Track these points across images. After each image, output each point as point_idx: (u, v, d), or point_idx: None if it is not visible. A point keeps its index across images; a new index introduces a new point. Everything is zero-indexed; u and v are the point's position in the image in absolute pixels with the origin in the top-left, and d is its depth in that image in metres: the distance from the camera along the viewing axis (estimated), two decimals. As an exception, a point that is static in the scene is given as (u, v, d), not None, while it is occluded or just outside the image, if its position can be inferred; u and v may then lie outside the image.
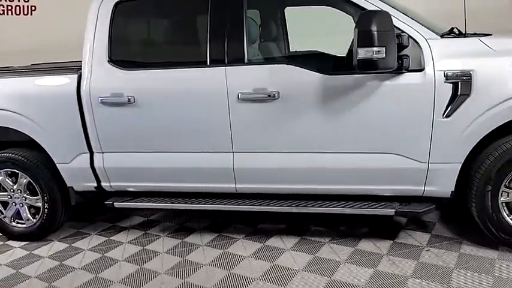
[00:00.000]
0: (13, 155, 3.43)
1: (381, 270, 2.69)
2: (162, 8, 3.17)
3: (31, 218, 3.56)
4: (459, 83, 2.52)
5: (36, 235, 3.57)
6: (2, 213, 3.61)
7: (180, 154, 3.09)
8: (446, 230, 3.15)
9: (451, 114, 2.57)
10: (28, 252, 3.40)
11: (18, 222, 3.61)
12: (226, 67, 2.87)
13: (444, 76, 2.54)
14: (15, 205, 3.57)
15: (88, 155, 3.28)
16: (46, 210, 3.46)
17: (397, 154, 2.73)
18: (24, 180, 3.46)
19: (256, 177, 3.01)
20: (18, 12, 5.50)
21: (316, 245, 3.08)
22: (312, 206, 2.94)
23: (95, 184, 3.36)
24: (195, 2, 3.10)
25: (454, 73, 2.52)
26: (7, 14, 5.46)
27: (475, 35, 2.79)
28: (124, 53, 3.22)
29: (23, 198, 3.53)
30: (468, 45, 2.65)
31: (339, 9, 2.96)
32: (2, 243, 3.62)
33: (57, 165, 3.35)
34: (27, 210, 3.57)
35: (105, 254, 3.25)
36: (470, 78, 2.50)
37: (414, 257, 2.81)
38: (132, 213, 3.93)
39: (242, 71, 2.87)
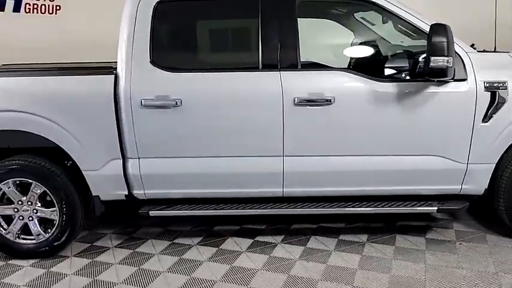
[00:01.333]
0: (28, 163, 3.09)
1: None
2: (208, 9, 3.12)
3: (42, 232, 3.22)
4: (497, 91, 2.85)
5: (48, 251, 3.22)
6: (5, 229, 3.21)
7: (226, 159, 3.03)
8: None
9: (489, 119, 2.89)
10: (45, 270, 3.07)
11: (24, 239, 3.24)
12: (281, 72, 2.92)
13: (484, 86, 2.86)
14: (22, 219, 3.20)
15: (121, 161, 3.08)
16: (63, 223, 3.15)
17: (440, 156, 2.98)
18: (38, 190, 3.12)
19: (307, 180, 3.07)
20: (43, 11, 5.56)
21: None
22: (358, 207, 3.08)
23: (126, 192, 3.15)
24: (244, 6, 3.10)
25: (492, 83, 2.85)
26: (33, 12, 5.51)
27: (497, 51, 3.17)
28: (168, 55, 3.11)
29: (34, 210, 3.17)
30: (501, 59, 3.01)
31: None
32: (3, 263, 3.20)
33: (83, 172, 3.09)
34: (37, 224, 3.22)
35: (141, 266, 3.05)
36: (506, 88, 2.84)
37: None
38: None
39: (297, 76, 2.93)
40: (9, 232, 3.21)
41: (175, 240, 3.43)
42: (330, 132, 2.97)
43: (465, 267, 2.85)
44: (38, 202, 3.16)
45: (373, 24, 3.40)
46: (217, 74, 3.00)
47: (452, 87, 2.87)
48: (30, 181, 3.10)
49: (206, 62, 3.21)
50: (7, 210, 3.20)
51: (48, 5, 5.57)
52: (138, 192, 3.14)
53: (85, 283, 2.87)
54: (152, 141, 3.02)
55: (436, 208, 3.05)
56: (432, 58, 2.59)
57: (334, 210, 3.10)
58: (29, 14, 5.49)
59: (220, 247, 3.28)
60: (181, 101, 2.91)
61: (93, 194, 3.15)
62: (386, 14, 3.02)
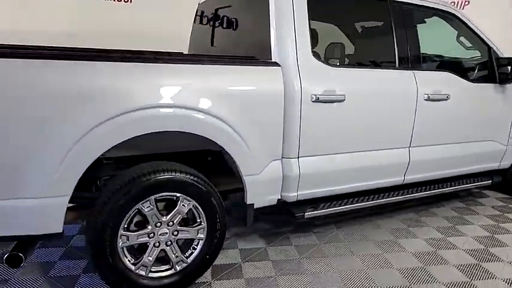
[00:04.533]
0: (178, 173, 2.46)
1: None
2: (353, 8, 3.11)
3: (184, 258, 2.60)
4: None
5: (188, 279, 2.63)
6: (134, 264, 2.46)
7: (373, 152, 3.13)
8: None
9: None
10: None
11: (158, 271, 2.55)
12: (414, 71, 3.22)
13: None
14: (158, 245, 2.51)
15: (280, 161, 2.79)
16: (211, 241, 2.63)
17: (494, 140, 3.83)
18: (186, 207, 2.52)
19: (423, 167, 3.44)
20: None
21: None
22: (425, 191, 3.61)
23: (279, 196, 2.86)
24: (380, 11, 3.22)
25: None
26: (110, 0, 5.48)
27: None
28: (330, 50, 2.96)
29: (174, 233, 2.54)
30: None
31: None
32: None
33: (244, 178, 2.66)
34: (178, 249, 2.58)
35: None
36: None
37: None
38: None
39: (423, 75, 3.28)
40: (141, 266, 2.47)
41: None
42: (445, 124, 3.44)
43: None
44: (181, 222, 2.55)
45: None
46: (374, 70, 3.10)
47: (509, 88, 3.75)
48: (178, 196, 2.49)
49: (364, 59, 3.22)
50: (141, 238, 2.46)
51: None
52: (289, 195, 2.90)
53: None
54: (315, 139, 2.86)
55: (490, 182, 3.90)
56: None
57: (433, 192, 3.59)
58: (107, 1, 5.46)
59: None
60: (344, 96, 2.87)
61: (248, 202, 2.75)
62: (463, 28, 3.66)
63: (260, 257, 3.05)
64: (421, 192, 3.54)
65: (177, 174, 2.45)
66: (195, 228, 2.58)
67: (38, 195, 2.13)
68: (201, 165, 2.81)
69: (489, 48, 3.68)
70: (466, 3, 5.83)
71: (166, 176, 2.41)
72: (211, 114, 2.44)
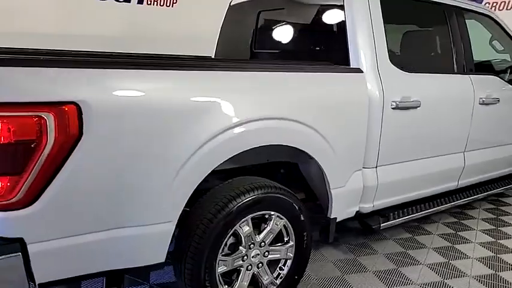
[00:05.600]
0: (276, 191, 2.27)
1: None
2: (416, 12, 3.03)
3: (274, 280, 2.41)
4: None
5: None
6: (228, 293, 2.25)
7: (438, 158, 3.09)
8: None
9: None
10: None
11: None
12: (470, 75, 3.21)
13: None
14: (250, 268, 2.31)
15: (360, 172, 2.67)
16: (296, 261, 2.47)
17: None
18: (278, 226, 2.34)
19: (474, 171, 3.45)
20: (162, 4, 5.74)
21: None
22: (472, 195, 3.65)
23: (357, 208, 2.74)
24: (438, 15, 3.17)
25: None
26: (153, 4, 5.67)
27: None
28: (405, 55, 2.87)
29: (265, 253, 2.35)
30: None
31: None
32: None
33: (332, 191, 2.51)
34: (268, 271, 2.39)
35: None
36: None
37: None
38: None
39: (477, 79, 3.27)
40: (235, 294, 2.26)
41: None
42: (494, 127, 3.46)
43: None
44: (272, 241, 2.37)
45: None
46: (439, 75, 3.04)
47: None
48: (271, 214, 2.30)
49: (432, 63, 3.15)
50: (237, 261, 2.25)
51: None
52: (365, 206, 2.79)
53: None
54: (392, 147, 2.77)
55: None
56: None
57: (481, 195, 3.62)
58: (150, 5, 5.61)
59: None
60: (420, 103, 2.81)
61: (332, 216, 2.60)
62: (497, 30, 3.72)
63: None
64: (469, 197, 3.54)
65: (273, 191, 2.26)
66: (285, 247, 2.41)
67: (143, 222, 1.87)
68: (272, 178, 2.64)
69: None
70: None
71: (264, 193, 2.22)
72: (307, 125, 2.28)
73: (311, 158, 2.41)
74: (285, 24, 3.29)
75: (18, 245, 1.63)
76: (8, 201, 1.59)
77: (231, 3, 3.78)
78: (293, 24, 3.24)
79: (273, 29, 3.39)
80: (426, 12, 3.11)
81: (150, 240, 1.92)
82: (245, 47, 3.65)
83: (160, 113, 1.82)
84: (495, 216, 3.95)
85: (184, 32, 5.59)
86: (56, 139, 1.60)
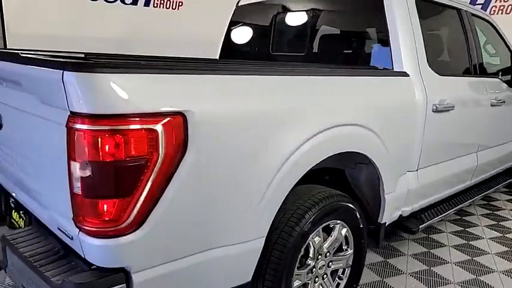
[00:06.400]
0: (343, 199, 2.21)
1: None
2: (439, 16, 3.08)
3: (336, 289, 2.35)
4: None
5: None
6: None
7: (462, 158, 3.20)
8: None
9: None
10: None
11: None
12: (483, 78, 3.36)
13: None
14: (317, 281, 2.23)
15: (405, 175, 2.68)
16: (354, 269, 2.42)
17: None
18: (342, 235, 2.28)
19: (483, 170, 3.60)
20: (168, 6, 5.78)
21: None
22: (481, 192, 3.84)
23: (400, 211, 2.75)
24: (456, 19, 3.24)
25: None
26: (160, 7, 5.70)
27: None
28: (437, 58, 2.89)
29: (329, 263, 2.28)
30: None
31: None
32: None
33: (385, 196, 2.49)
34: (332, 282, 2.32)
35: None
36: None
37: None
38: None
39: (488, 82, 3.41)
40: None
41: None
42: (500, 127, 3.64)
43: None
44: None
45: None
46: (464, 78, 3.15)
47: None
48: (337, 223, 2.24)
49: (460, 66, 3.21)
50: (308, 275, 2.16)
51: (173, 1, 5.75)
52: (406, 209, 2.80)
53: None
54: (431, 149, 2.80)
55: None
56: None
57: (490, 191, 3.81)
58: (156, 8, 5.65)
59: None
60: (453, 105, 2.87)
61: (382, 221, 2.58)
62: (493, 34, 3.91)
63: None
64: (478, 194, 3.70)
65: (341, 200, 2.20)
66: (346, 255, 2.35)
67: (239, 240, 1.73)
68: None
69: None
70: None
71: (334, 202, 2.16)
72: (372, 130, 2.24)
73: (366, 163, 2.38)
74: (312, 26, 3.22)
75: (122, 275, 1.43)
76: (115, 228, 1.39)
77: (239, 4, 3.65)
78: (322, 27, 3.19)
79: (297, 31, 3.32)
80: (448, 16, 3.19)
81: (243, 259, 1.78)
82: (257, 49, 3.55)
83: (258, 122, 1.69)
84: (495, 219, 4.17)
85: (190, 34, 5.58)
86: (166, 154, 1.42)
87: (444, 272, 2.96)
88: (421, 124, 2.65)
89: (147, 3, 5.51)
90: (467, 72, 3.27)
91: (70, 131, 1.35)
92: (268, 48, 3.44)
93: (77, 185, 1.37)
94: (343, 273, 2.40)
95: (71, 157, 1.37)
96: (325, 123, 1.95)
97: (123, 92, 1.33)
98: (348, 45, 3.11)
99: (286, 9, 3.35)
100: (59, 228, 1.59)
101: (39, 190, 1.79)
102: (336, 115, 2.04)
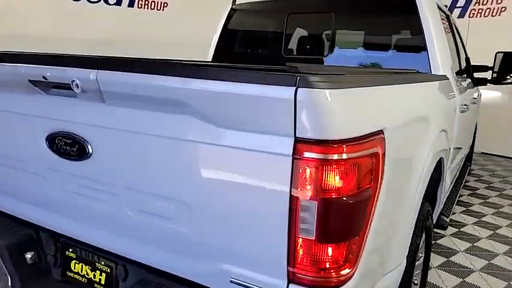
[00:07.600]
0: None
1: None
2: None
3: None
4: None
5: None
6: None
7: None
8: None
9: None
10: None
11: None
12: (468, 79, 3.67)
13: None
14: (416, 283, 2.24)
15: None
16: (424, 269, 2.47)
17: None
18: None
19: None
20: (152, 7, 5.81)
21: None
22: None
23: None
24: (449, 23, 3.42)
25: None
26: (144, 8, 5.66)
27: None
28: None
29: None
30: None
31: None
32: None
33: (441, 195, 2.58)
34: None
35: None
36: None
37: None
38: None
39: (468, 82, 3.73)
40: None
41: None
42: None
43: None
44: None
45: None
46: (466, 80, 3.36)
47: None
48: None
49: (459, 69, 3.37)
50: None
51: (158, 2, 5.75)
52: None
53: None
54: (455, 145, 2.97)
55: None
56: None
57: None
58: (141, 9, 5.64)
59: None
60: (468, 107, 3.09)
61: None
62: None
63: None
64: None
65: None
66: (421, 257, 2.37)
67: (397, 263, 1.61)
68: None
69: (467, 56, 4.39)
70: (503, 9, 5.69)
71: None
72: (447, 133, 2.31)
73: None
74: (332, 29, 3.15)
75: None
76: (343, 276, 1.17)
77: (234, 4, 3.44)
78: (347, 30, 3.15)
79: (316, 34, 3.22)
80: (445, 20, 3.40)
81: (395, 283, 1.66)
82: (262, 51, 3.39)
83: (417, 130, 1.61)
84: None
85: (175, 35, 5.45)
86: (380, 180, 1.26)
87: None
88: (455, 123, 2.79)
89: (131, 4, 5.46)
90: (460, 73, 3.54)
91: (299, 163, 1.10)
92: (280, 51, 3.29)
93: (305, 227, 1.13)
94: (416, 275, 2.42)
95: (298, 195, 1.12)
96: (440, 127, 1.95)
97: (352, 110, 1.15)
98: (383, 49, 3.12)
99: (301, 11, 3.22)
100: (232, 281, 1.28)
101: (184, 236, 1.38)
102: (439, 120, 2.05)
